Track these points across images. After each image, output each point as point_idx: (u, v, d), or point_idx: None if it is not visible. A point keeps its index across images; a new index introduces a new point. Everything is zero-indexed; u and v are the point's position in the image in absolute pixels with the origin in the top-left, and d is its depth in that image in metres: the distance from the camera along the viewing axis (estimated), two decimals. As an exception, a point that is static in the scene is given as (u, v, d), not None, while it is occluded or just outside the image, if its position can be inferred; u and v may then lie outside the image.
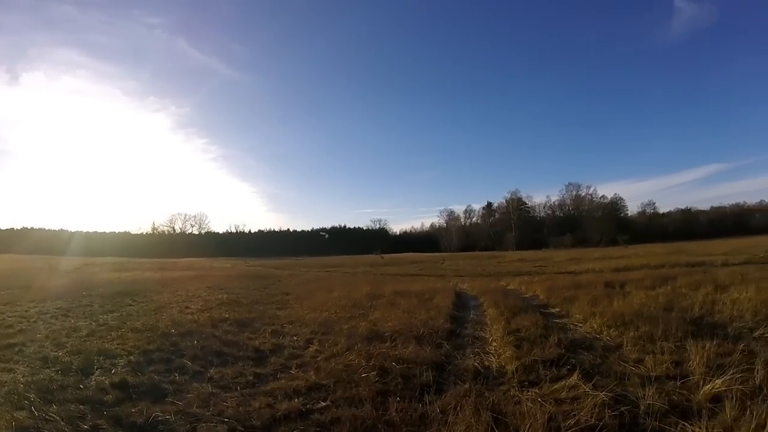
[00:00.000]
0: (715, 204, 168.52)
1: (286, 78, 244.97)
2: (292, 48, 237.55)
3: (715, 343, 7.51)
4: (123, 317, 13.09)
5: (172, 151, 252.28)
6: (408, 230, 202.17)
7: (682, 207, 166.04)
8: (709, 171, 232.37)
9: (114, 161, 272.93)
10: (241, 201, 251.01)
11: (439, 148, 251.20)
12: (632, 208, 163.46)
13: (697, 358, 6.78)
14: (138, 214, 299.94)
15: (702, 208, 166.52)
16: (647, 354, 7.46)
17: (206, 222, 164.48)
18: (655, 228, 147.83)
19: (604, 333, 9.41)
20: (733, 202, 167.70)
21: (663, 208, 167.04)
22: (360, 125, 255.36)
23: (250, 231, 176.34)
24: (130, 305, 15.90)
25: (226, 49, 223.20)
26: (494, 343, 9.25)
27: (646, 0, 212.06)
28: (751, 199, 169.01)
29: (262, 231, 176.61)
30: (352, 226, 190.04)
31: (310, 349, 9.08)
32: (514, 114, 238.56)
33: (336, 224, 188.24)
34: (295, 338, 10.14)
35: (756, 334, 8.41)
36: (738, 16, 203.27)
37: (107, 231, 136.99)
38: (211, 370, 7.60)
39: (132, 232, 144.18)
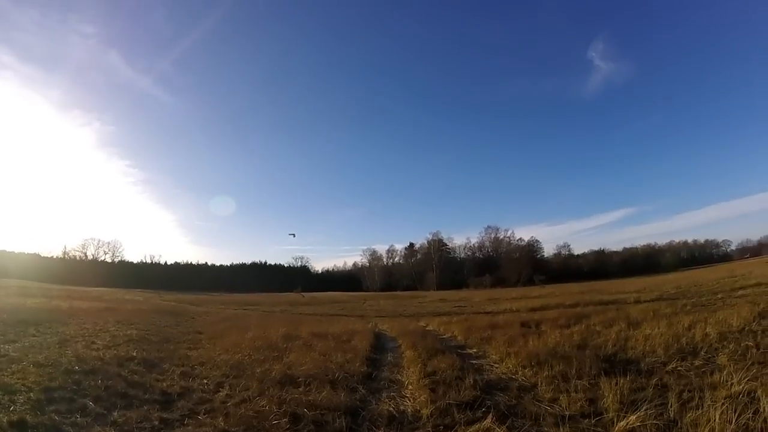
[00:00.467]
0: (627, 245, 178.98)
1: (216, 107, 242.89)
2: (226, 78, 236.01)
3: (628, 379, 7.73)
4: (25, 348, 12.18)
5: (91, 170, 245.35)
6: (330, 269, 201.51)
7: (596, 248, 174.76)
8: (621, 215, 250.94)
9: (28, 174, 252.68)
10: (159, 230, 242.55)
11: (364, 187, 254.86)
12: (548, 250, 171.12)
13: (611, 395, 6.95)
14: (49, 235, 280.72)
15: (615, 249, 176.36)
16: (561, 393, 7.56)
17: (120, 250, 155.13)
18: (570, 268, 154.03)
19: (520, 373, 9.47)
20: (644, 243, 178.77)
21: (577, 249, 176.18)
22: (286, 160, 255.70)
23: (166, 262, 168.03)
24: (34, 336, 14.77)
25: (160, 69, 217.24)
26: (410, 387, 9.21)
27: (567, 58, 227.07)
28: (661, 240, 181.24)
29: (179, 263, 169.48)
30: (273, 263, 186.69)
31: (221, 393, 8.78)
32: (438, 157, 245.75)
33: (257, 260, 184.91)
34: (205, 381, 9.74)
35: (669, 367, 8.68)
36: (650, 75, 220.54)
37: (15, 251, 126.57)
38: (115, 413, 7.25)
39: (41, 255, 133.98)
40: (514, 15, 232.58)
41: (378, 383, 9.78)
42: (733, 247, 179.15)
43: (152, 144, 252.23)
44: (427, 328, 21.19)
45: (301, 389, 8.58)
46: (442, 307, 40.90)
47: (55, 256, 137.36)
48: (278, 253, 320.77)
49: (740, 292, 25.06)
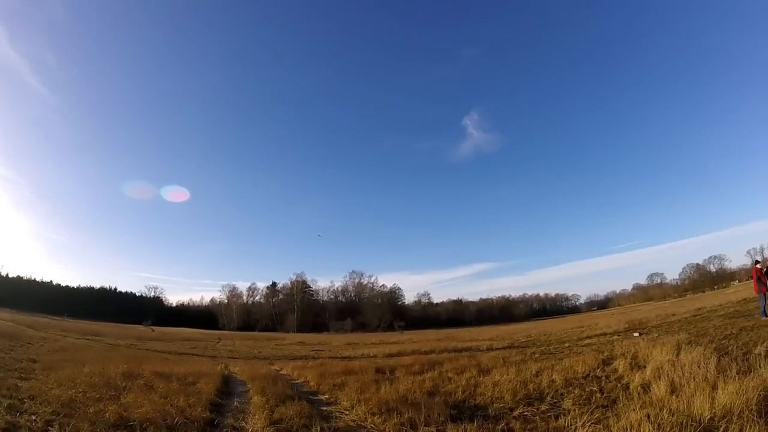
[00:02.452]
0: (484, 296, 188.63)
1: (91, 111, 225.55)
2: (108, 84, 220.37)
3: (475, 425, 8.00)
4: None
5: None
6: (186, 302, 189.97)
7: (454, 298, 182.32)
8: (479, 269, 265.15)
9: None
10: (6, 236, 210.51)
11: (228, 221, 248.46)
12: (409, 297, 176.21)
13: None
14: None
15: (472, 300, 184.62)
16: None
17: None
18: (429, 316, 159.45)
19: (369, 420, 9.44)
20: (500, 295, 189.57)
21: (437, 298, 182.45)
22: (148, 179, 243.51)
23: (8, 275, 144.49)
24: None
25: (42, 57, 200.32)
26: None
27: (444, 123, 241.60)
28: (515, 293, 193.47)
29: (22, 278, 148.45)
30: (123, 290, 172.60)
31: None
32: (309, 200, 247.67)
33: (106, 285, 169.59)
34: (33, 417, 9.13)
35: (515, 413, 9.07)
36: (514, 147, 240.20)
37: None
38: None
39: None
40: (401, 76, 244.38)
41: (220, 430, 9.48)
42: (582, 301, 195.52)
43: (18, 139, 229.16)
44: (280, 372, 20.87)
45: None
46: (300, 351, 40.41)
47: None
48: (131, 279, 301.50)
49: (587, 341, 25.88)
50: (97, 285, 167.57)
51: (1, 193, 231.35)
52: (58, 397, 11.27)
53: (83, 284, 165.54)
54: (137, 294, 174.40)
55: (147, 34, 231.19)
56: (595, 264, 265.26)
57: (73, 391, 12.23)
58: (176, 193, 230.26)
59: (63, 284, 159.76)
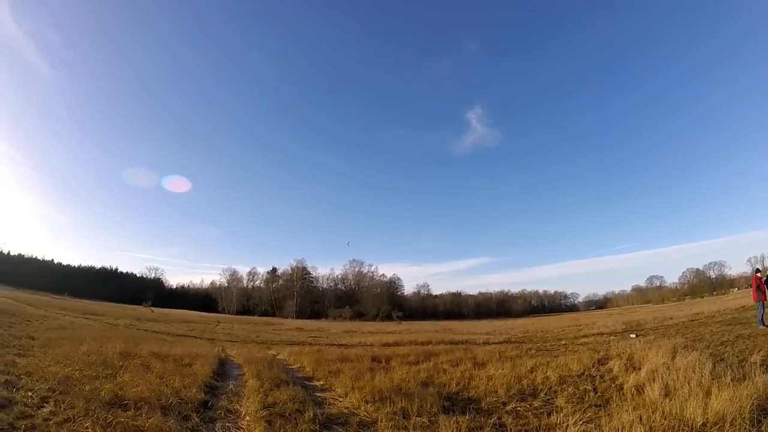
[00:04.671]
0: (483, 290, 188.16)
1: (95, 89, 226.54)
2: (111, 65, 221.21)
3: (467, 417, 8.05)
4: None
5: None
6: (186, 285, 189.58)
7: (453, 291, 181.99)
8: (478, 263, 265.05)
9: None
10: (6, 213, 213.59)
11: (229, 206, 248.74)
12: (408, 288, 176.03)
13: (448, 433, 7.10)
14: None
15: (471, 293, 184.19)
16: (400, 430, 7.77)
17: None
18: (427, 307, 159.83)
19: (362, 408, 9.46)
20: (498, 290, 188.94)
21: (436, 290, 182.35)
22: (149, 162, 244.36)
23: (9, 252, 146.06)
24: None
25: (47, 36, 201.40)
26: (247, 418, 8.97)
27: (447, 115, 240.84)
28: (514, 288, 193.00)
29: (23, 256, 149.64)
30: (124, 270, 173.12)
31: (45, 409, 8.40)
32: (311, 188, 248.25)
33: (107, 265, 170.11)
34: (30, 393, 9.20)
35: (508, 407, 9.06)
36: (516, 142, 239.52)
37: None
38: None
39: None
40: (407, 68, 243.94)
41: (214, 412, 9.48)
42: (580, 300, 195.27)
43: (21, 115, 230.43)
44: (277, 357, 20.89)
45: (130, 413, 8.23)
46: (297, 337, 40.51)
47: None
48: (132, 260, 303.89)
49: (583, 340, 25.77)
50: (98, 265, 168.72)
51: (3, 170, 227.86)
52: (55, 374, 11.29)
53: (84, 264, 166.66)
54: (138, 275, 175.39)
55: (152, 18, 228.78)
56: (595, 263, 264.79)
57: (70, 368, 12.28)
58: (177, 183, 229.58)
59: (64, 263, 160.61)
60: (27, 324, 25.34)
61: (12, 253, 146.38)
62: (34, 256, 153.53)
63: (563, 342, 25.61)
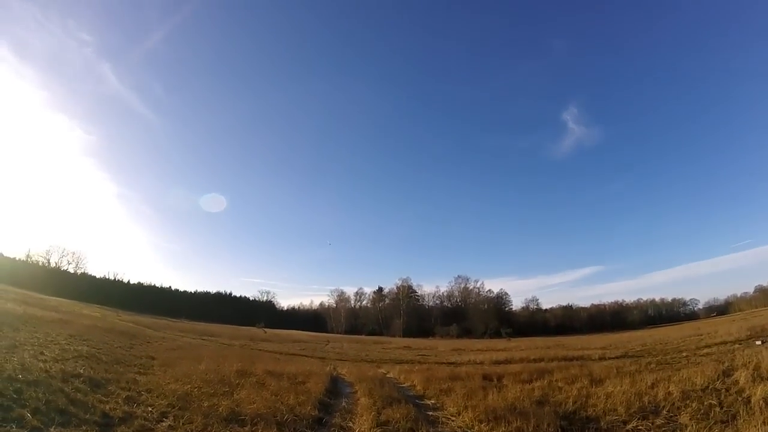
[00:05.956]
0: (595, 302, 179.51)
1: (198, 132, 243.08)
2: (210, 106, 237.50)
3: None
4: None
5: (67, 177, 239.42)
6: (296, 306, 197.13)
7: (564, 304, 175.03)
8: (590, 272, 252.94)
9: (2, 169, 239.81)
10: (127, 247, 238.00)
11: (334, 228, 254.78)
12: (517, 303, 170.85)
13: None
14: (14, 235, 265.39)
15: (583, 305, 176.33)
16: None
17: (84, 261, 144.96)
18: (537, 322, 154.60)
19: (476, 428, 9.26)
20: (612, 300, 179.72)
21: (546, 304, 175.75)
22: (258, 193, 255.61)
23: (129, 281, 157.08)
24: None
25: (148, 86, 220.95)
26: None
27: (543, 118, 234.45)
28: (629, 297, 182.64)
29: (142, 284, 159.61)
30: (238, 295, 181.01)
31: (164, 423, 8.48)
32: (413, 206, 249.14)
33: (222, 290, 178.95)
34: (150, 409, 9.36)
35: (629, 426, 8.60)
36: (618, 141, 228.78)
37: None
38: (52, 429, 6.97)
39: (3, 254, 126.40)
40: (495, 75, 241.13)
41: (328, 429, 9.54)
42: (700, 306, 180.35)
43: (131, 160, 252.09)
44: (387, 376, 20.86)
45: (246, 428, 8.37)
46: (406, 355, 40.30)
47: (17, 258, 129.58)
48: (244, 285, 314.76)
49: (705, 350, 24.85)
50: (213, 290, 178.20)
51: (120, 208, 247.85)
52: (174, 391, 11.51)
53: (200, 289, 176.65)
54: (251, 298, 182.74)
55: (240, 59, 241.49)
56: (715, 264, 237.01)
57: (189, 386, 12.56)
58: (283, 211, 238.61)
59: (181, 289, 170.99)
60: (147, 345, 26.51)
61: (132, 282, 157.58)
62: (153, 284, 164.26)
63: (684, 353, 24.81)
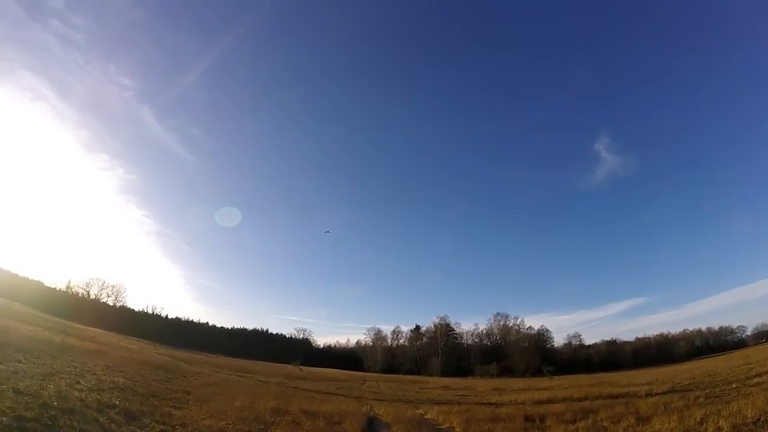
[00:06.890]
0: (640, 335, 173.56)
1: (233, 173, 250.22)
2: (248, 149, 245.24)
3: None
4: (8, 373, 11.82)
5: (108, 214, 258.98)
6: (332, 344, 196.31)
7: (607, 339, 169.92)
8: (633, 304, 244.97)
9: (48, 205, 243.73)
10: (164, 282, 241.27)
11: (370, 266, 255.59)
12: (558, 340, 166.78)
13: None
14: (56, 267, 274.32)
15: (627, 339, 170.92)
16: None
17: (123, 294, 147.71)
18: (580, 359, 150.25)
19: None
20: (657, 332, 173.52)
21: (588, 339, 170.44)
22: (294, 231, 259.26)
23: (167, 316, 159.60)
24: (20, 362, 14.43)
25: (187, 130, 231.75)
26: None
27: (573, 150, 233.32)
28: (675, 329, 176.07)
29: (180, 319, 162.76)
30: (274, 332, 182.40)
31: None
32: (446, 244, 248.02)
33: (258, 327, 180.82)
34: None
35: None
36: (653, 167, 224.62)
37: (19, 274, 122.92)
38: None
39: (45, 284, 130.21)
40: (522, 108, 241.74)
41: None
42: (748, 333, 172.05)
43: (170, 199, 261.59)
44: (425, 417, 20.42)
45: None
46: (444, 395, 39.52)
47: (58, 289, 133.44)
48: (281, 322, 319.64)
49: (756, 380, 24.07)
50: (250, 327, 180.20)
51: (159, 246, 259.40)
52: (209, 427, 11.31)
53: (237, 326, 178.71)
54: (287, 335, 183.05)
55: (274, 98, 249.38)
56: (762, 287, 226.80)
57: (223, 422, 12.39)
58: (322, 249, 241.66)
59: (218, 325, 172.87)
60: (183, 379, 26.45)
61: (170, 317, 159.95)
62: (190, 319, 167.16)
63: (734, 384, 24.10)
